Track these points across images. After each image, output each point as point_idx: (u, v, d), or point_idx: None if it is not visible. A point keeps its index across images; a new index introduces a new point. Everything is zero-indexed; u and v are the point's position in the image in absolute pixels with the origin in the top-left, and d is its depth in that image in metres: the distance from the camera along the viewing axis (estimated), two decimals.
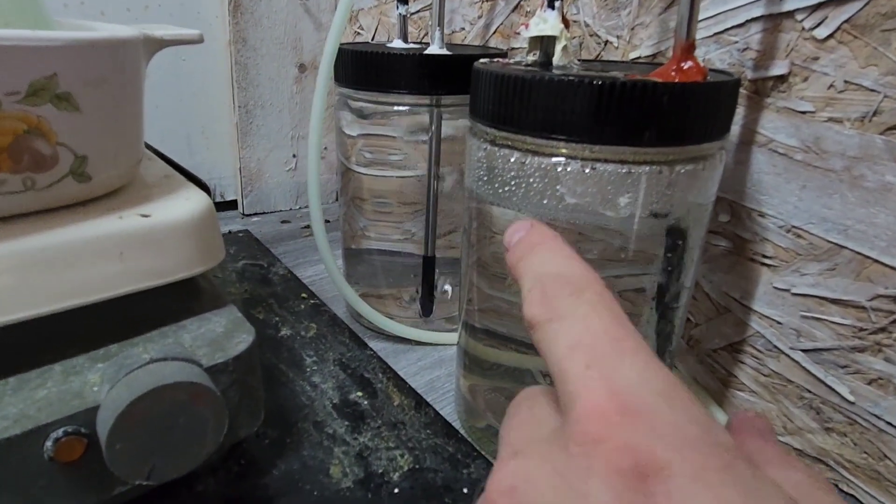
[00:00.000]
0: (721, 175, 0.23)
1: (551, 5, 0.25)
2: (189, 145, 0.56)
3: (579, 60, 0.28)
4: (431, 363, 0.36)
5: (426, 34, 0.46)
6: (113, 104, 0.20)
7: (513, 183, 0.22)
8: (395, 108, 0.32)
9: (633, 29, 0.30)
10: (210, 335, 0.22)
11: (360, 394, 0.30)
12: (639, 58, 0.30)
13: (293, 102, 0.58)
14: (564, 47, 0.25)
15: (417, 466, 0.26)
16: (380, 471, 0.25)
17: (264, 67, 0.55)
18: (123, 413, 0.17)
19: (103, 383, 0.19)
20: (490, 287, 0.26)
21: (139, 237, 0.21)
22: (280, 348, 0.34)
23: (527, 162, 0.21)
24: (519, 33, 0.26)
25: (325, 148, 0.61)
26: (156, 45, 0.24)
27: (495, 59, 0.27)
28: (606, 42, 0.32)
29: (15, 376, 0.19)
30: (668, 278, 0.24)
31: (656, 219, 0.21)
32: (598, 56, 0.32)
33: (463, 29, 0.42)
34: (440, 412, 0.30)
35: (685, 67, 0.21)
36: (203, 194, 0.24)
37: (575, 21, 0.33)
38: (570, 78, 0.19)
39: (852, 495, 0.26)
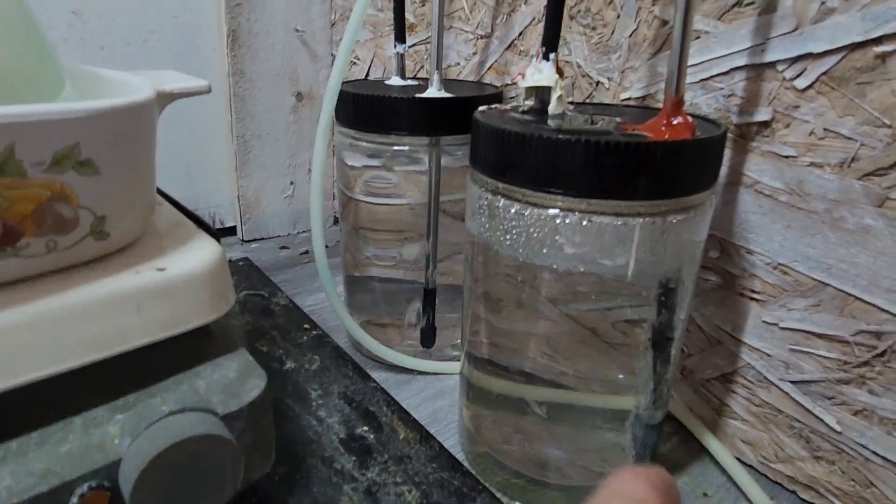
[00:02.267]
0: (711, 217, 0.24)
1: (546, 57, 0.26)
2: (188, 175, 0.57)
3: (572, 104, 0.29)
4: (434, 393, 0.36)
5: (422, 67, 0.47)
6: (130, 162, 0.21)
7: (514, 231, 0.23)
8: (395, 148, 0.33)
9: (623, 72, 0.32)
10: (223, 381, 0.23)
11: (365, 428, 0.31)
12: (629, 99, 0.32)
13: (290, 132, 0.59)
14: (560, 96, 0.26)
15: (425, 502, 0.26)
16: None
17: (262, 98, 0.56)
18: (146, 468, 0.18)
19: (123, 436, 0.20)
20: (499, 320, 0.27)
21: (156, 291, 0.21)
22: (286, 382, 0.35)
23: (526, 213, 0.22)
24: (515, 82, 0.27)
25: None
26: (167, 98, 0.25)
27: (493, 106, 0.28)
28: (598, 83, 0.33)
29: (38, 430, 0.20)
30: (663, 314, 0.25)
31: (651, 264, 0.22)
32: (589, 96, 0.34)
33: (458, 64, 0.43)
34: (445, 444, 0.31)
35: (675, 123, 0.22)
36: (214, 243, 0.25)
37: (567, 62, 0.34)
38: (566, 136, 0.20)
39: None
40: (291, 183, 0.62)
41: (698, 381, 0.32)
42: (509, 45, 0.38)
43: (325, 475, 0.28)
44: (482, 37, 0.40)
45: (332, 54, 0.59)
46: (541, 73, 0.26)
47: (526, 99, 0.27)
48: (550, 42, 0.26)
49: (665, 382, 0.27)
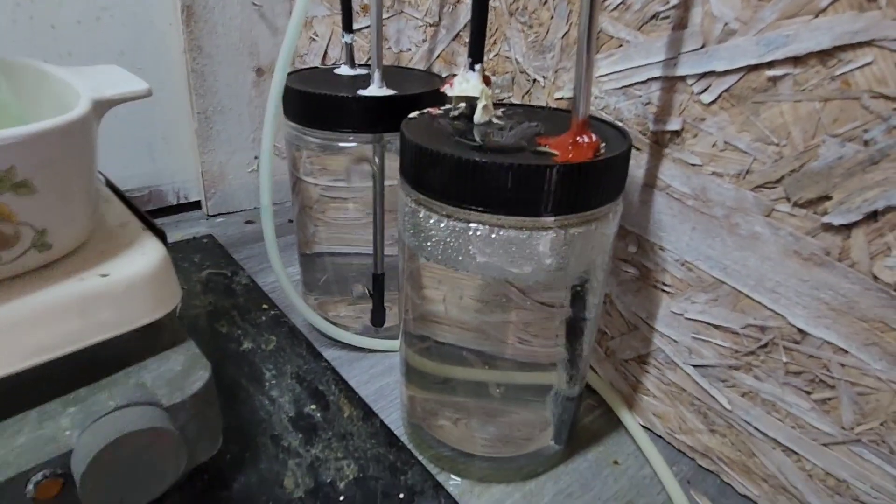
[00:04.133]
0: (618, 221, 0.26)
1: (472, 67, 0.27)
2: (150, 152, 0.57)
3: (505, 105, 0.31)
4: (382, 370, 0.39)
5: None
6: (67, 177, 0.23)
7: (433, 239, 0.25)
8: (340, 144, 0.35)
9: (556, 72, 0.33)
10: (169, 374, 0.25)
11: (313, 407, 0.34)
12: (561, 99, 0.33)
13: (252, 106, 0.59)
14: (485, 106, 0.27)
15: (361, 475, 0.29)
16: (328, 480, 0.29)
17: (221, 74, 0.56)
18: (93, 459, 0.20)
19: (74, 428, 0.22)
20: (424, 301, 0.29)
21: (99, 296, 0.23)
22: (242, 363, 0.37)
23: (443, 224, 0.24)
24: (444, 94, 0.28)
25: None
26: (105, 105, 0.26)
27: (426, 111, 0.29)
28: (535, 80, 0.34)
29: None
30: (576, 303, 0.28)
31: (558, 271, 0.25)
32: (527, 92, 0.35)
33: (409, 50, 0.44)
34: (388, 418, 0.34)
35: (580, 141, 0.23)
36: (159, 244, 0.27)
37: (507, 58, 0.35)
38: (476, 159, 0.22)
39: (730, 484, 0.31)
40: (256, 157, 0.62)
41: (619, 360, 0.35)
42: (455, 36, 0.39)
43: (273, 452, 0.30)
44: (431, 25, 0.41)
45: None
46: (468, 83, 0.27)
47: (457, 104, 0.29)
48: (476, 53, 0.27)
49: (581, 360, 0.30)
